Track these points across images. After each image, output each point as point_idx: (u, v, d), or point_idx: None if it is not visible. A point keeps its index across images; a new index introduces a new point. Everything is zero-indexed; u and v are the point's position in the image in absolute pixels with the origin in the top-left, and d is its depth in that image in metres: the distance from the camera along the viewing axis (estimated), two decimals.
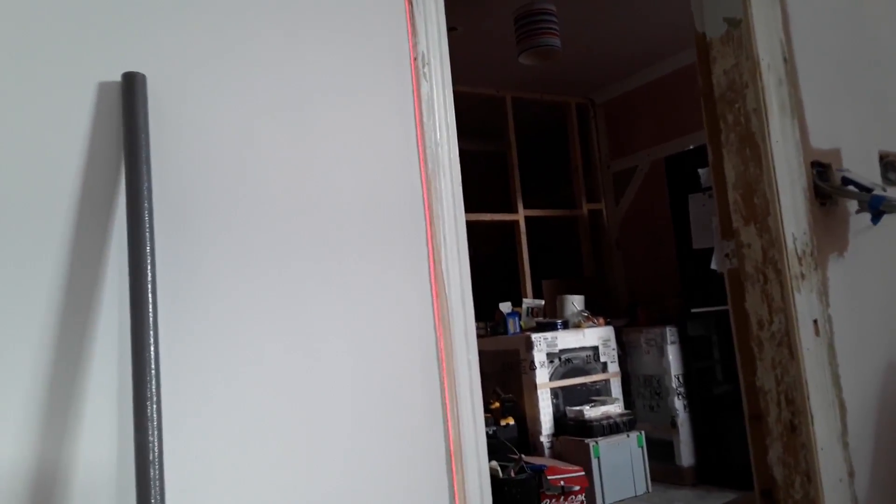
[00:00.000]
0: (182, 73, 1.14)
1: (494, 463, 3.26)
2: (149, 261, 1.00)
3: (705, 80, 2.06)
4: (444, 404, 1.30)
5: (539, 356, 3.88)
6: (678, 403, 3.90)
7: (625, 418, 3.80)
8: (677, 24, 3.86)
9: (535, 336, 3.90)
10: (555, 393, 3.92)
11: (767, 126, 1.90)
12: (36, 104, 1.01)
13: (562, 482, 3.34)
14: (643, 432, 3.83)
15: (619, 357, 4.17)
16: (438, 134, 1.38)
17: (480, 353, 1.40)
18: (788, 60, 2.01)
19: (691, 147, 4.11)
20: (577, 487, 3.37)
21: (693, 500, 3.61)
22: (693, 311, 3.88)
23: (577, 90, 5.06)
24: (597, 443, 3.64)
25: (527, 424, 3.90)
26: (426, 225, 1.35)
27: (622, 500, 3.68)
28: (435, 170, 1.36)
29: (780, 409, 1.86)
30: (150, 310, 0.98)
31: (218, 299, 1.11)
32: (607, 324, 4.22)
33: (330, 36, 1.30)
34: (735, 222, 1.98)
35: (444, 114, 1.40)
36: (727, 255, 2.01)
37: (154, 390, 0.95)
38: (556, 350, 3.95)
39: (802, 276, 1.88)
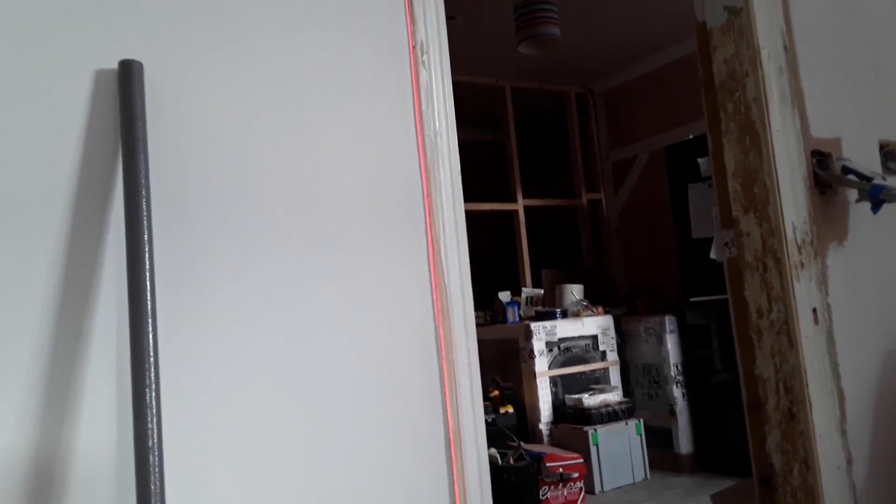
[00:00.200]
0: (179, 61, 1.13)
1: (493, 450, 3.27)
2: (146, 249, 1.00)
3: (705, 69, 2.05)
4: (443, 393, 1.31)
5: (538, 345, 3.89)
6: (677, 392, 3.92)
7: (623, 406, 3.82)
8: (677, 12, 3.85)
9: (534, 325, 3.91)
10: (554, 381, 3.93)
11: (768, 115, 1.89)
12: (31, 92, 1.01)
13: (560, 469, 3.36)
14: (642, 420, 3.85)
15: (618, 346, 4.18)
16: (437, 123, 1.38)
17: (480, 341, 1.40)
18: (789, 49, 2.00)
19: (691, 136, 4.10)
20: (575, 474, 3.39)
21: (691, 487, 3.63)
22: (692, 300, 3.89)
23: (576, 79, 5.04)
24: (595, 430, 3.66)
25: (526, 412, 3.92)
26: (425, 214, 1.35)
27: (621, 487, 3.70)
28: (434, 159, 1.36)
29: (779, 397, 1.87)
30: (149, 297, 0.98)
31: (216, 290, 1.11)
32: (606, 313, 4.23)
33: (327, 23, 1.29)
34: (735, 211, 1.97)
35: (443, 103, 1.39)
36: (726, 244, 2.01)
37: (153, 378, 0.96)
38: (555, 339, 3.96)
39: (802, 264, 1.88)
